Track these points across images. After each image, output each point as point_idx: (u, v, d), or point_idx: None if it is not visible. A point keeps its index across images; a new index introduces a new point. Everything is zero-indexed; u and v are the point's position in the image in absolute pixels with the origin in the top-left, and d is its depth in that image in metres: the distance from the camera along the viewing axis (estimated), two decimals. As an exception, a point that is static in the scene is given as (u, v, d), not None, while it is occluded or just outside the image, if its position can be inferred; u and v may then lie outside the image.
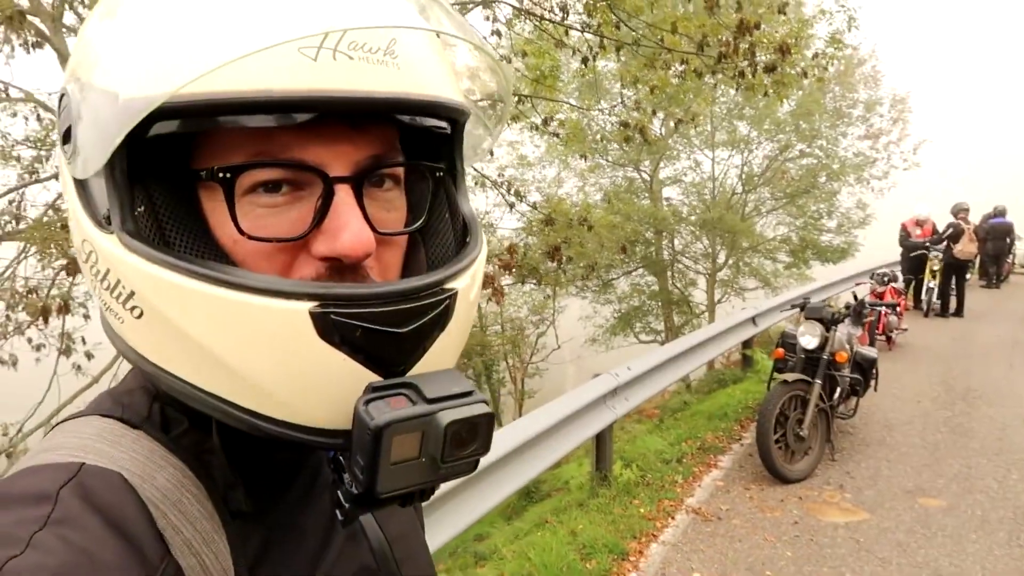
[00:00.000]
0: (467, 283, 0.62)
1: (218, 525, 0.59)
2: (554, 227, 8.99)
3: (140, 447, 0.59)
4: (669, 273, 18.22)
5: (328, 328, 0.52)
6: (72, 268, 5.52)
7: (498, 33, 7.18)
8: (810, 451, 5.40)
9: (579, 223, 9.23)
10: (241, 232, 0.56)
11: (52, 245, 5.51)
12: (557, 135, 9.36)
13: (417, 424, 0.52)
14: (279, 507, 0.65)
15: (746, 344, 8.82)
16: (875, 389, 6.15)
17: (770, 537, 4.43)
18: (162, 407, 0.63)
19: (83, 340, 7.14)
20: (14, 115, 7.02)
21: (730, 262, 18.45)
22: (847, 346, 5.74)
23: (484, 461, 3.56)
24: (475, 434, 0.55)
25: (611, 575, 4.03)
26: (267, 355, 0.53)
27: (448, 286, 0.59)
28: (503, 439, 4.05)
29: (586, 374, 5.80)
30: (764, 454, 5.13)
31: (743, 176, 18.39)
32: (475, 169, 9.51)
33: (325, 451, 0.65)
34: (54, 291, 6.53)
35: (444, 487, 3.33)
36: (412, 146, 0.66)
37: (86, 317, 6.97)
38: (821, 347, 5.49)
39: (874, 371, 6.03)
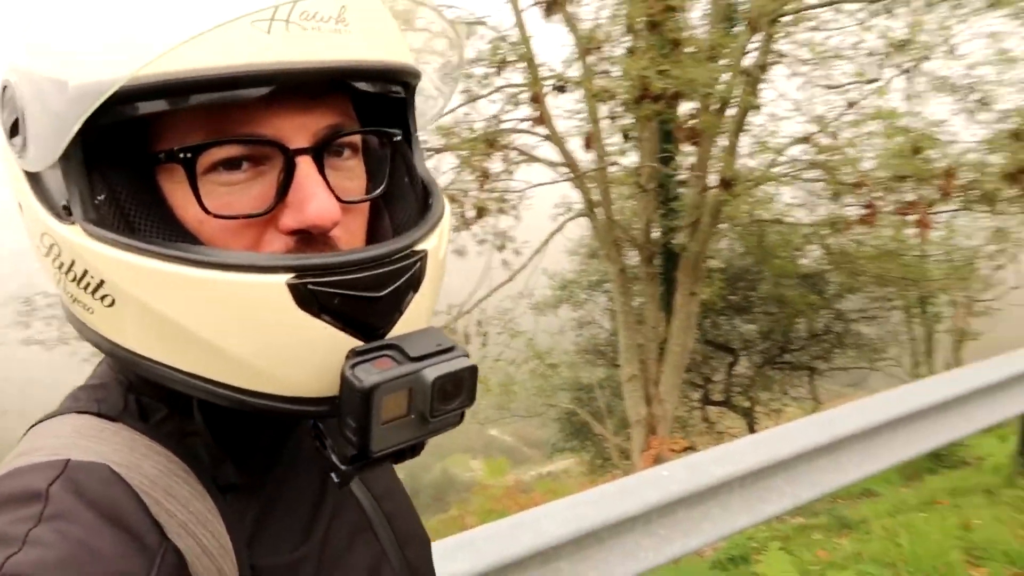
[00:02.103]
0: (435, 243, 0.63)
1: (211, 505, 0.60)
2: (1024, 143, 7.22)
3: (122, 439, 0.60)
4: None
5: (307, 298, 0.54)
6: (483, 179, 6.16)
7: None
8: None
9: (1067, 137, 7.29)
10: (207, 211, 0.56)
11: (472, 157, 6.21)
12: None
13: (404, 382, 0.55)
14: (268, 482, 0.67)
15: None
16: None
17: None
18: (137, 397, 0.64)
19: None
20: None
21: None
22: None
23: (886, 415, 3.15)
24: (460, 387, 0.57)
25: (1003, 593, 3.29)
26: (248, 330, 0.54)
27: (418, 248, 0.61)
28: (910, 394, 3.55)
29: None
30: None
31: None
32: (925, 72, 8.09)
33: (307, 422, 0.68)
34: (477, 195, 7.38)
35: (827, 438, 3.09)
36: (366, 113, 0.67)
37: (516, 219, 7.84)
38: None
39: None
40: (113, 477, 0.56)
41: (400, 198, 0.70)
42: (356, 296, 0.55)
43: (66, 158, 0.54)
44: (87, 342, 0.62)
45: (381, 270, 0.57)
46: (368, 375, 0.53)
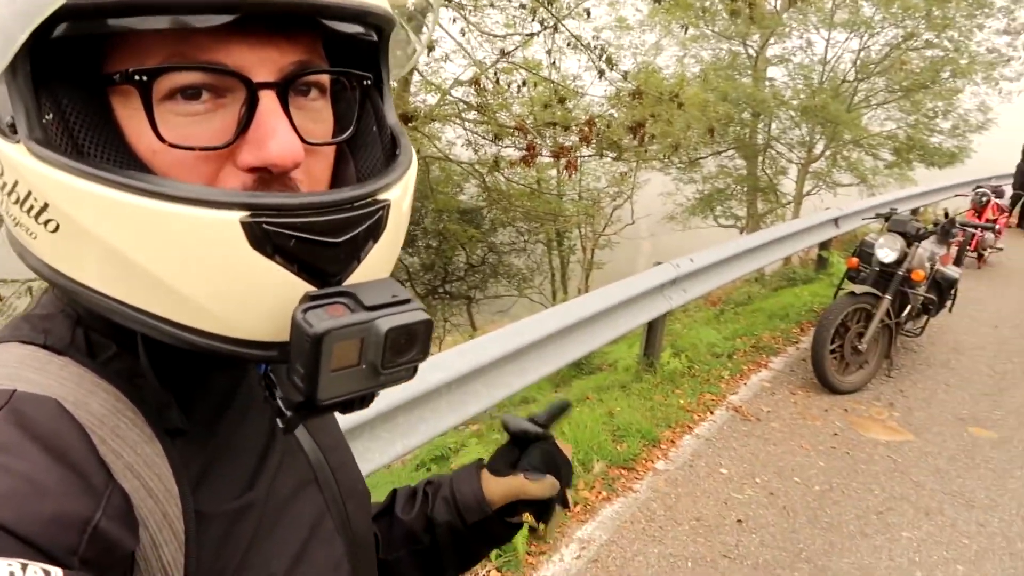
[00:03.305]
0: (399, 194, 0.61)
1: (158, 448, 0.57)
2: (642, 101, 8.64)
3: (68, 373, 0.56)
4: (760, 158, 17.41)
5: (260, 238, 0.51)
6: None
7: None
8: (865, 365, 5.30)
9: (669, 99, 8.84)
10: (161, 140, 0.52)
11: None
12: (659, 0, 8.83)
13: (356, 331, 0.53)
14: (218, 428, 0.65)
15: (824, 245, 8.51)
16: (950, 310, 5.90)
17: (806, 445, 4.45)
18: (86, 332, 0.60)
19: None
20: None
21: (827, 154, 17.46)
22: (927, 264, 5.48)
23: (542, 331, 3.66)
24: (414, 341, 0.56)
25: (639, 460, 4.15)
26: (197, 267, 0.51)
27: (381, 197, 0.58)
28: (559, 315, 4.14)
29: (660, 251, 5.75)
30: (817, 362, 5.06)
31: (858, 63, 17.01)
32: (567, 29, 9.14)
33: (256, 368, 0.67)
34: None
35: (504, 350, 3.47)
36: (337, 57, 0.63)
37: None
38: (899, 262, 5.25)
39: (953, 292, 5.77)
40: (61, 412, 0.53)
41: (367, 146, 0.67)
42: (313, 240, 0.52)
43: (12, 73, 0.50)
44: (29, 269, 0.58)
45: (341, 215, 0.54)
46: (320, 320, 0.51)
